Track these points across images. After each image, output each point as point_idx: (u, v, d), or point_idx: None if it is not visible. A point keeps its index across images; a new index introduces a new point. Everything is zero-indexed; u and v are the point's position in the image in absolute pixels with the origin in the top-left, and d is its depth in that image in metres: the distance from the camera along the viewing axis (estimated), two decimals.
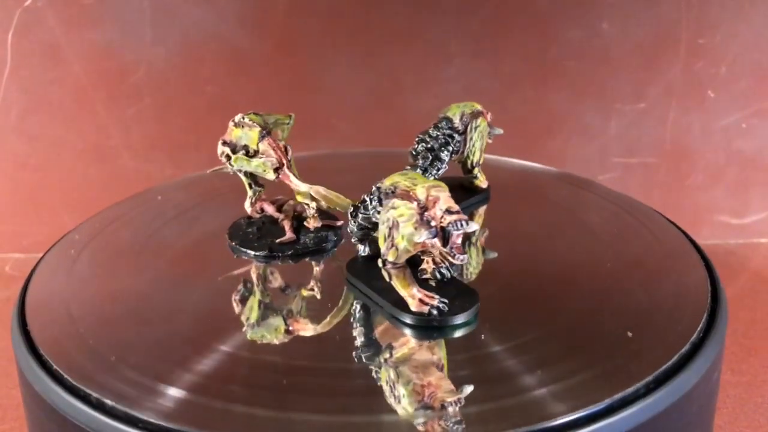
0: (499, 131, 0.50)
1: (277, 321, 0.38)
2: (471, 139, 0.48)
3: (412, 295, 0.36)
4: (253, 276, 0.42)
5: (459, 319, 0.36)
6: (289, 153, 0.44)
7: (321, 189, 0.44)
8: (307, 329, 0.37)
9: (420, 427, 0.31)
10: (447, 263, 0.36)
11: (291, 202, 0.46)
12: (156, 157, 0.76)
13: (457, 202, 0.35)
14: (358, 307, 0.39)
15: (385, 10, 0.73)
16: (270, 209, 0.46)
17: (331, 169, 0.56)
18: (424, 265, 0.38)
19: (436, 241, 0.34)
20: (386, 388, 0.33)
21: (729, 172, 0.77)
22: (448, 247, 0.34)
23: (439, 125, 0.47)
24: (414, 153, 0.47)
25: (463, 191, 0.49)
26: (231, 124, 0.44)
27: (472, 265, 0.43)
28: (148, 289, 0.42)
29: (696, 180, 0.78)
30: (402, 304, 0.37)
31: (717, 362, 0.37)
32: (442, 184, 0.35)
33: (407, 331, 0.36)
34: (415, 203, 0.34)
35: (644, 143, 0.77)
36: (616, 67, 0.74)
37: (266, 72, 0.75)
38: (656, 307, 0.39)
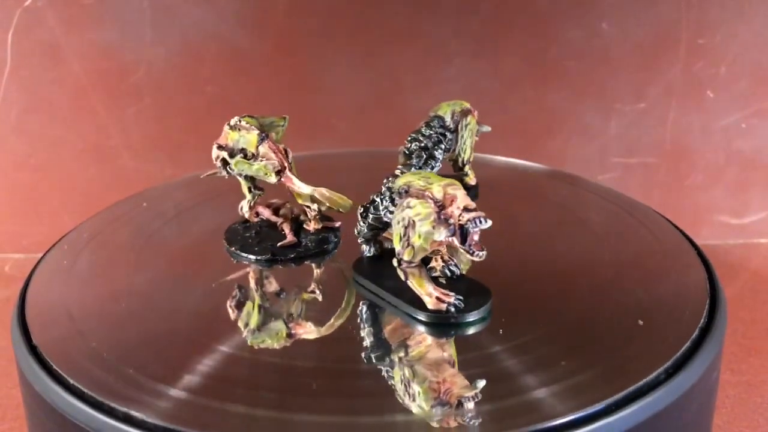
0: (487, 128, 0.51)
1: (289, 324, 0.38)
2: (462, 137, 0.49)
3: (429, 294, 0.36)
4: (258, 279, 0.42)
5: (476, 315, 0.37)
6: (290, 155, 0.43)
7: (324, 190, 0.44)
8: (320, 331, 0.37)
9: (452, 422, 0.31)
10: (454, 261, 0.38)
11: (288, 204, 0.46)
12: (156, 157, 0.76)
13: None
14: (370, 307, 0.39)
15: (385, 10, 0.73)
16: (266, 213, 0.46)
17: (332, 169, 0.56)
18: (433, 263, 0.39)
19: (454, 239, 0.34)
20: (413, 387, 0.33)
21: (729, 173, 0.77)
22: (467, 244, 0.34)
23: (432, 124, 0.48)
24: (407, 152, 0.47)
25: None
26: (226, 127, 0.44)
27: (467, 265, 0.43)
28: (149, 289, 0.42)
29: (696, 180, 0.78)
30: (418, 303, 0.37)
31: (716, 362, 0.37)
32: (457, 182, 0.35)
33: (423, 329, 0.37)
34: (432, 202, 0.35)
35: (644, 143, 0.77)
36: (616, 67, 0.74)
37: (266, 72, 0.75)
38: (656, 307, 0.39)
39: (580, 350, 0.35)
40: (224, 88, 0.75)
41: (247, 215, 0.46)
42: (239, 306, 0.40)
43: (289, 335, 0.37)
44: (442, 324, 0.37)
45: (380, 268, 0.40)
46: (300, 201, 0.44)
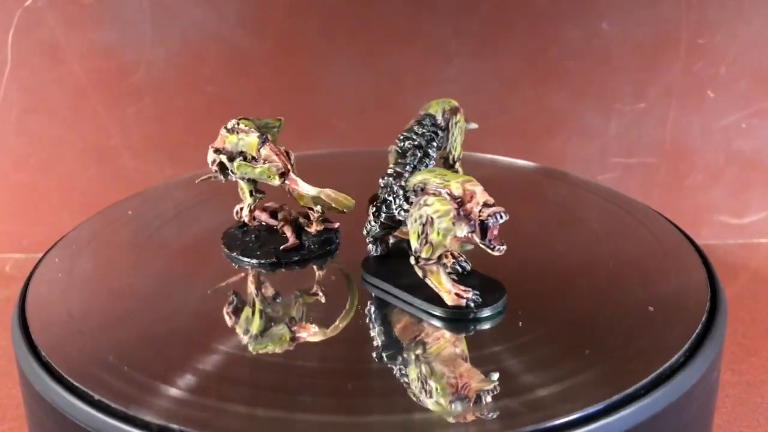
0: (474, 126, 0.51)
1: (305, 325, 0.38)
2: (452, 134, 0.49)
3: (449, 290, 0.37)
4: (265, 283, 0.42)
5: (493, 309, 0.37)
6: (292, 157, 0.43)
7: (330, 191, 0.43)
8: (338, 331, 0.37)
9: (473, 416, 0.31)
10: (464, 257, 0.38)
11: (286, 207, 0.45)
12: (156, 156, 0.76)
13: None
14: (384, 306, 0.39)
15: (385, 9, 0.73)
16: (263, 216, 0.45)
17: (332, 169, 0.56)
18: (443, 260, 0.39)
19: (473, 235, 0.35)
20: (438, 382, 0.33)
21: (729, 172, 0.77)
22: (487, 239, 0.35)
23: (424, 122, 0.48)
24: (400, 151, 0.47)
25: None
26: (224, 131, 0.43)
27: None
28: (149, 288, 0.42)
29: (696, 180, 0.78)
30: (436, 300, 0.37)
31: (716, 362, 0.37)
32: (473, 179, 0.36)
33: (441, 325, 0.37)
34: (451, 198, 0.35)
35: (644, 143, 0.77)
36: (616, 67, 0.74)
37: (266, 72, 0.75)
38: (656, 307, 0.39)
39: (581, 350, 0.35)
40: (224, 88, 0.75)
41: (246, 219, 0.45)
42: (248, 309, 0.39)
43: (306, 336, 0.37)
44: (459, 320, 0.37)
45: (390, 266, 0.40)
46: (302, 203, 0.44)
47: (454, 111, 0.49)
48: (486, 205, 0.35)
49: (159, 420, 0.31)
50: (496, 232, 0.35)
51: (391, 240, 0.43)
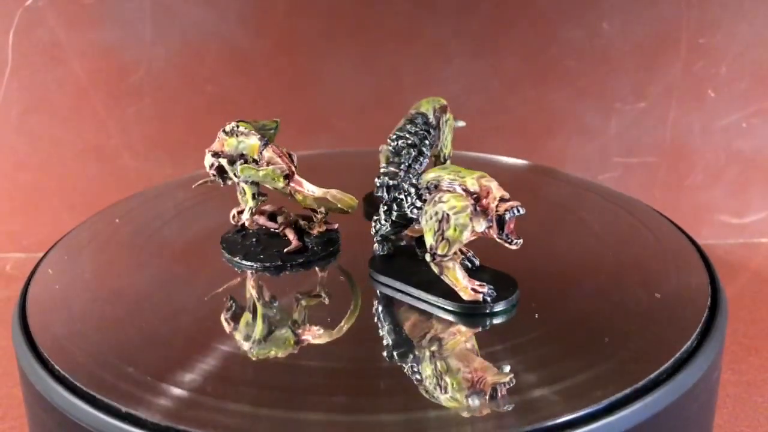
0: (462, 123, 0.52)
1: (318, 326, 0.37)
2: (443, 132, 0.50)
3: (465, 286, 0.37)
4: (273, 286, 0.42)
5: (508, 303, 0.38)
6: (294, 159, 0.43)
7: (335, 192, 0.43)
8: (352, 331, 0.37)
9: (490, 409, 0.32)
10: (472, 252, 0.39)
11: (284, 209, 0.45)
12: (156, 156, 0.76)
13: None
14: (396, 304, 0.39)
15: (385, 9, 0.73)
16: (261, 220, 0.45)
17: (332, 169, 0.56)
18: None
19: (490, 230, 0.35)
20: (459, 377, 0.33)
21: (729, 172, 0.77)
22: (504, 234, 0.35)
23: (416, 121, 0.48)
24: (394, 150, 0.48)
25: None
26: (222, 134, 0.43)
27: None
28: (150, 288, 0.42)
29: (696, 180, 0.78)
30: (451, 295, 0.37)
31: (717, 361, 0.37)
32: (486, 174, 0.36)
33: (457, 320, 0.37)
34: (467, 194, 0.36)
35: (644, 143, 0.77)
36: (616, 67, 0.74)
37: (266, 71, 0.75)
38: (656, 307, 0.39)
39: (581, 349, 0.35)
40: (224, 87, 0.75)
41: (247, 223, 0.44)
42: (259, 312, 0.39)
43: (323, 337, 0.37)
44: (473, 314, 0.37)
45: (398, 265, 0.41)
46: (304, 205, 0.43)
47: (443, 109, 0.50)
48: (502, 199, 0.35)
49: (160, 419, 0.31)
50: (512, 226, 0.35)
51: (400, 239, 0.43)
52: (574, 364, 0.34)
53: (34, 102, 0.74)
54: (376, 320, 0.38)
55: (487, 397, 0.32)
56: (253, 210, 0.44)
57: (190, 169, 0.59)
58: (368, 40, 0.74)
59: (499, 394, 0.32)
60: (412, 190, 0.38)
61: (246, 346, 0.36)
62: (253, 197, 0.44)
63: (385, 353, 0.36)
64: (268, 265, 0.42)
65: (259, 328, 0.38)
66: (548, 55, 0.74)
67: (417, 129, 0.48)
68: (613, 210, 0.50)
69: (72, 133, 0.75)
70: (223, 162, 0.43)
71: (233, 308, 0.39)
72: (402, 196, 0.39)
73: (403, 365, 0.35)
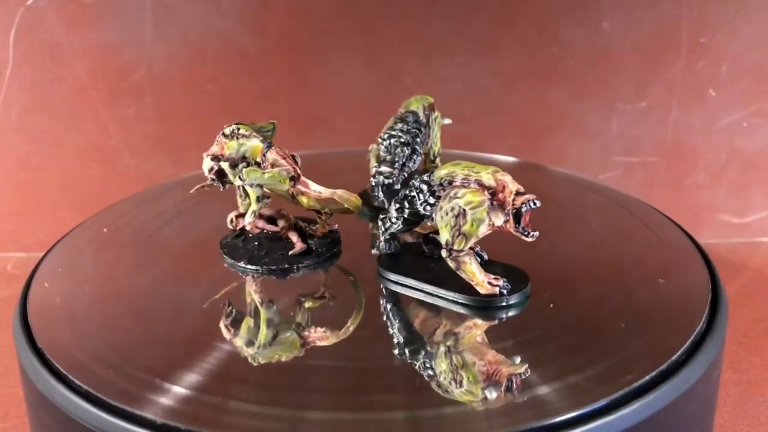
0: (448, 121, 0.52)
1: (331, 327, 0.37)
2: (433, 130, 0.50)
3: (482, 280, 0.37)
4: (282, 288, 0.41)
5: (521, 296, 0.38)
6: (298, 160, 0.42)
7: (341, 192, 0.43)
8: (370, 329, 0.37)
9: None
10: (479, 246, 0.39)
11: (284, 212, 0.44)
12: (157, 156, 0.76)
13: None
14: (408, 301, 0.39)
15: (386, 9, 0.73)
16: (260, 223, 0.44)
17: (332, 168, 0.56)
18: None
19: (507, 224, 0.36)
20: (481, 369, 0.34)
21: (730, 171, 0.77)
22: (521, 227, 0.36)
23: (407, 120, 0.48)
24: (387, 149, 0.48)
25: None
26: (221, 137, 0.42)
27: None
28: (150, 287, 0.42)
29: (697, 179, 0.78)
30: (467, 290, 0.38)
31: (717, 361, 0.37)
32: (499, 168, 0.37)
33: (473, 314, 0.38)
34: (484, 189, 0.36)
35: (645, 142, 0.77)
36: (616, 66, 0.74)
37: (267, 71, 0.75)
38: (657, 306, 0.39)
39: (582, 348, 0.35)
40: (225, 87, 0.75)
41: (249, 227, 0.44)
42: (271, 315, 0.39)
43: (341, 336, 0.37)
44: (487, 308, 0.38)
45: (407, 262, 0.41)
46: (308, 207, 0.43)
47: (432, 107, 0.50)
48: (518, 193, 0.36)
49: (160, 418, 0.31)
50: (528, 219, 0.36)
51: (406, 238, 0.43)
52: (574, 363, 0.34)
53: (34, 101, 0.74)
54: (395, 318, 0.38)
55: (504, 389, 0.32)
56: (256, 213, 0.43)
57: (191, 168, 0.58)
58: (369, 39, 0.74)
59: (515, 386, 0.32)
60: (425, 187, 0.38)
61: (271, 349, 0.36)
62: (258, 200, 0.43)
63: (411, 349, 0.36)
64: (274, 268, 0.42)
65: (288, 332, 0.37)
66: (549, 54, 0.74)
67: (409, 127, 0.48)
68: (613, 209, 0.50)
69: (73, 133, 0.75)
70: (225, 166, 0.42)
71: (247, 311, 0.39)
72: (414, 194, 0.39)
73: (430, 360, 0.35)
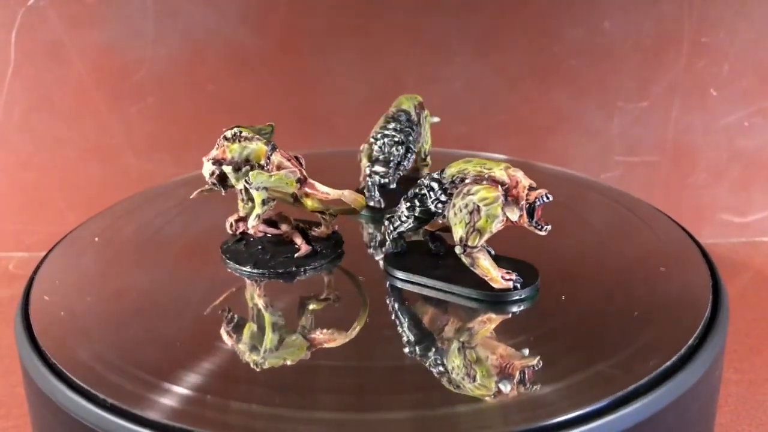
0: (437, 119, 0.53)
1: (342, 326, 0.37)
2: (424, 129, 0.51)
3: (496, 275, 0.38)
4: (291, 290, 0.41)
5: (532, 289, 0.39)
6: (303, 162, 0.42)
7: (348, 192, 0.43)
8: (380, 328, 0.37)
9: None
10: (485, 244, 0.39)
11: (284, 215, 0.44)
12: (158, 155, 0.76)
13: None
14: (419, 298, 0.39)
15: (387, 8, 0.73)
16: (261, 226, 0.43)
17: (333, 168, 0.56)
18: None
19: (520, 219, 0.37)
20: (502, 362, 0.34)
21: (731, 171, 0.77)
22: (534, 221, 0.37)
23: (399, 119, 0.49)
24: (381, 148, 0.48)
25: None
26: (223, 141, 0.42)
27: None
28: (152, 287, 0.42)
29: (698, 178, 0.78)
30: (481, 285, 0.38)
31: (718, 360, 0.37)
32: (510, 165, 0.37)
33: (486, 309, 0.38)
34: (498, 185, 0.37)
35: (646, 141, 0.77)
36: (618, 66, 0.74)
37: (268, 70, 0.75)
38: (658, 305, 0.39)
39: (583, 348, 0.35)
40: (226, 86, 0.75)
41: (252, 230, 0.43)
42: (283, 318, 0.39)
43: (358, 334, 0.37)
44: (497, 302, 0.38)
45: (415, 260, 0.41)
46: (312, 209, 0.43)
47: (422, 106, 0.51)
48: (531, 188, 0.36)
49: (163, 418, 0.31)
50: (540, 213, 0.36)
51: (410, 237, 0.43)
52: (575, 362, 0.34)
53: (36, 101, 0.74)
54: (410, 316, 0.38)
55: (517, 383, 0.33)
56: (260, 216, 0.42)
57: (192, 167, 0.58)
58: (370, 38, 0.74)
59: (527, 379, 0.33)
60: (435, 185, 0.39)
61: (287, 351, 0.36)
62: (263, 203, 0.42)
63: (432, 346, 0.36)
64: (281, 271, 0.41)
65: (311, 334, 0.37)
66: (550, 53, 0.74)
67: (402, 126, 0.48)
68: (614, 209, 0.50)
69: (74, 132, 0.75)
70: (227, 169, 0.42)
71: (259, 316, 0.39)
72: (424, 192, 0.39)
73: (452, 355, 0.35)
